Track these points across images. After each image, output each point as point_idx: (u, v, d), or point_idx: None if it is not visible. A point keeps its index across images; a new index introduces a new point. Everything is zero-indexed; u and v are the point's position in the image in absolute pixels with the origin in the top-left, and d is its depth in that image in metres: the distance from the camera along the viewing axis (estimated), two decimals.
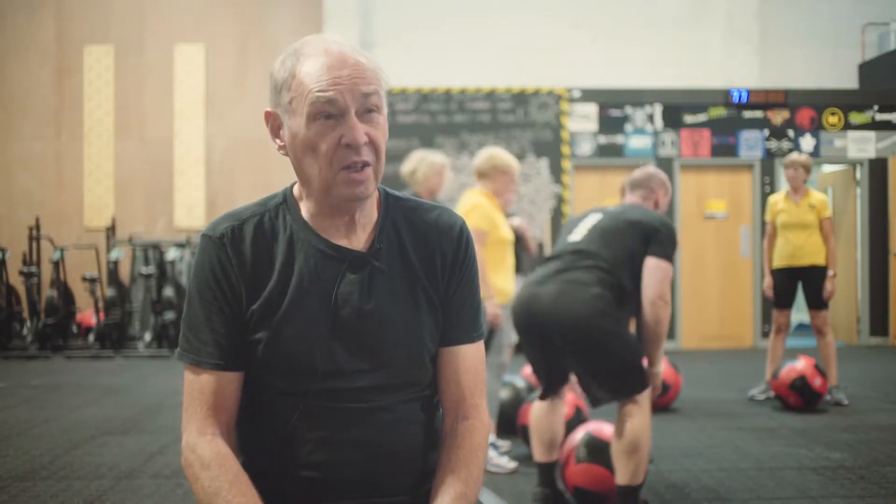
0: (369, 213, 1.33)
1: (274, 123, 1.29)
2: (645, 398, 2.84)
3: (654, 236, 2.89)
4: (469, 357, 1.36)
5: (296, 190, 1.34)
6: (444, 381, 1.36)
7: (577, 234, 3.02)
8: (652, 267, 2.87)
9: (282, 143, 1.28)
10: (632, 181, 3.26)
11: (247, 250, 1.28)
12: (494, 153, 4.08)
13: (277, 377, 1.26)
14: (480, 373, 1.38)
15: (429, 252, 1.34)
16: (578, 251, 2.95)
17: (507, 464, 3.81)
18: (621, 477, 2.83)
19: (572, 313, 2.82)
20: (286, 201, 1.33)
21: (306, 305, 1.26)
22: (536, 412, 3.15)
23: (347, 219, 1.30)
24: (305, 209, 1.31)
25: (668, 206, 3.25)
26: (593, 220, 3.05)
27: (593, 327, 2.81)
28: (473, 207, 3.92)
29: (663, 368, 2.95)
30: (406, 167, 4.16)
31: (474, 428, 1.34)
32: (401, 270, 1.32)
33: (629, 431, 2.80)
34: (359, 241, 1.31)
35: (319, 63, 1.22)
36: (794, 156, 5.42)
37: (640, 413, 2.82)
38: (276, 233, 1.30)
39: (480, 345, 1.39)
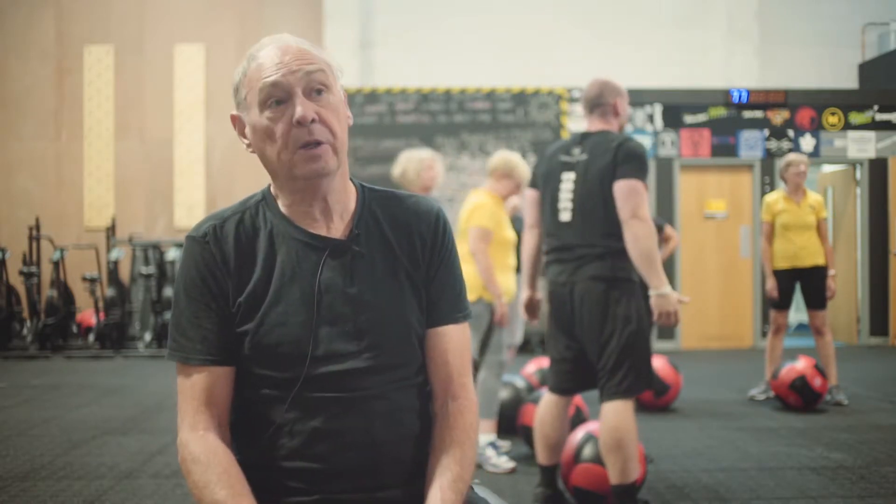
0: (344, 201, 1.36)
1: (239, 125, 1.35)
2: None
3: (618, 163, 2.85)
4: (455, 337, 1.39)
5: (273, 187, 1.38)
6: (432, 363, 1.38)
7: (565, 211, 2.98)
8: (619, 189, 2.83)
9: (248, 142, 1.33)
10: (587, 101, 3.08)
11: (230, 247, 1.31)
12: (513, 159, 4.12)
13: (267, 367, 1.28)
14: (466, 353, 1.42)
15: (408, 236, 1.38)
16: (574, 245, 2.94)
17: (505, 463, 3.80)
18: (612, 476, 2.85)
19: (594, 316, 2.88)
20: (265, 199, 1.37)
21: (290, 294, 1.29)
22: (542, 415, 3.14)
23: (322, 206, 1.33)
24: (283, 203, 1.35)
25: (628, 108, 3.09)
26: (570, 186, 2.98)
27: (612, 318, 2.86)
28: (479, 206, 3.94)
29: (669, 291, 2.79)
30: (396, 169, 4.15)
31: (465, 408, 1.37)
32: (381, 254, 1.35)
33: (612, 429, 2.82)
34: (337, 230, 1.35)
35: (265, 56, 1.28)
36: (791, 156, 5.41)
37: (623, 410, 2.83)
38: (257, 229, 1.34)
39: (466, 326, 1.42)
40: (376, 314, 1.31)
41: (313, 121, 1.25)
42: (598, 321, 2.87)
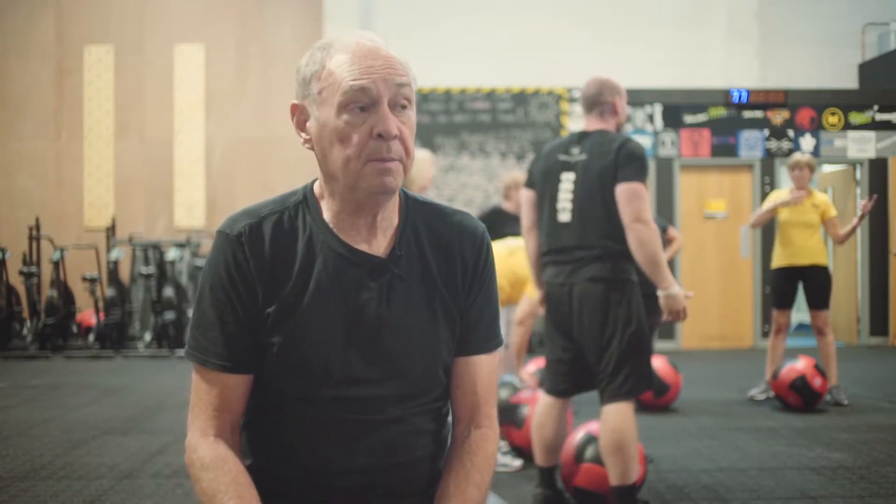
0: (390, 216, 1.30)
1: (300, 116, 1.26)
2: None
3: (619, 165, 2.83)
4: (485, 366, 1.36)
5: (316, 188, 1.31)
6: (459, 390, 1.34)
7: (564, 212, 2.94)
8: (621, 192, 2.81)
9: (307, 137, 1.26)
10: (585, 100, 3.04)
11: (265, 250, 1.24)
12: None
13: (291, 382, 1.25)
14: (494, 381, 1.38)
15: (449, 260, 1.32)
16: (573, 246, 2.91)
17: (513, 461, 3.81)
18: (612, 477, 2.84)
19: (594, 317, 2.86)
20: (306, 200, 1.30)
21: (323, 310, 1.24)
22: (540, 417, 3.13)
23: (369, 220, 1.27)
24: (327, 208, 1.28)
25: (626, 106, 3.06)
26: (569, 186, 2.95)
27: (612, 319, 2.84)
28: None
29: (677, 290, 2.80)
30: None
31: (488, 437, 1.34)
32: (420, 279, 1.29)
33: (612, 430, 2.81)
34: (379, 245, 1.28)
35: (351, 54, 1.20)
36: (799, 156, 5.41)
37: (624, 411, 2.82)
38: (295, 233, 1.27)
39: (496, 354, 1.38)
40: (406, 343, 1.27)
41: (395, 136, 1.19)
42: (599, 323, 2.86)
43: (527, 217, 3.18)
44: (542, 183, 3.06)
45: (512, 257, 4.00)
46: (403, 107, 1.22)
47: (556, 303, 2.98)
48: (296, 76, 1.27)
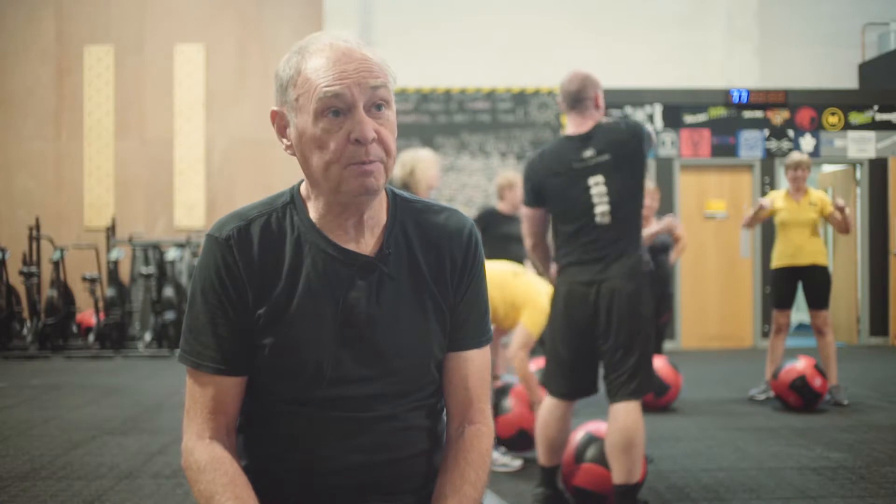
0: (378, 215, 1.30)
1: (280, 123, 1.26)
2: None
3: (642, 142, 2.95)
4: (477, 362, 1.36)
5: (303, 189, 1.31)
6: (451, 386, 1.35)
7: (603, 215, 2.91)
8: None
9: (289, 143, 1.26)
10: (568, 96, 3.01)
11: (254, 252, 1.25)
12: None
13: (283, 383, 1.25)
14: (487, 377, 1.38)
15: (438, 257, 1.32)
16: (610, 242, 2.91)
17: (513, 462, 3.81)
18: (617, 476, 2.83)
19: (622, 314, 2.87)
20: (293, 201, 1.30)
21: (314, 311, 1.24)
22: (545, 418, 3.12)
23: (356, 219, 1.27)
24: (313, 209, 1.28)
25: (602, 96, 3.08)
26: (602, 189, 2.91)
27: (636, 317, 2.87)
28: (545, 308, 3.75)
29: None
30: (402, 170, 4.14)
31: (482, 433, 1.34)
32: (409, 276, 1.30)
33: (623, 429, 2.81)
34: (367, 244, 1.29)
35: (325, 58, 1.19)
36: (797, 156, 5.41)
37: (635, 410, 2.82)
38: (283, 234, 1.27)
39: (487, 349, 1.38)
40: (398, 340, 1.27)
41: (372, 140, 1.19)
42: (626, 320, 2.84)
43: (532, 234, 3.14)
44: (563, 196, 2.98)
45: (516, 279, 3.96)
46: (380, 107, 1.21)
47: (576, 301, 2.93)
48: (274, 81, 1.26)
